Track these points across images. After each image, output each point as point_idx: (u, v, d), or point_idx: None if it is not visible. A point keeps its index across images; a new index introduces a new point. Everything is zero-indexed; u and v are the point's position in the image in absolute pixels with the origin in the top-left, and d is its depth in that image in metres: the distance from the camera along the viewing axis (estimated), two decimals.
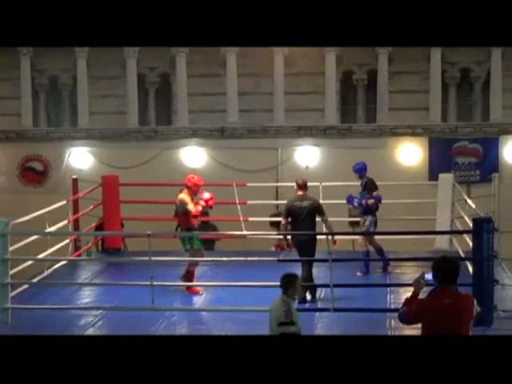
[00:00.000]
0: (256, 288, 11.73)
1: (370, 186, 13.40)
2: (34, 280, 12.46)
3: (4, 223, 10.82)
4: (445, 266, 6.84)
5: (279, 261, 12.35)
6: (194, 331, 10.43)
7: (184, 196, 12.07)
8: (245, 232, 12.24)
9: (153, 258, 10.72)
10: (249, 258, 11.74)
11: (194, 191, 12.20)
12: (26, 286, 12.03)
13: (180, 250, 12.28)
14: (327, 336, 9.14)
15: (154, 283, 10.64)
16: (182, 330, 10.43)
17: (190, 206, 11.97)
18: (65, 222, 13.62)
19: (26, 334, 7.84)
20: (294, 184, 12.39)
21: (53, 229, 12.76)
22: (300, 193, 12.14)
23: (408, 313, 6.92)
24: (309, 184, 15.57)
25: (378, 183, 14.33)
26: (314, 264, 12.97)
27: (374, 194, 13.31)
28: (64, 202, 13.91)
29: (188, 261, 11.99)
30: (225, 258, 11.91)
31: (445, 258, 7.05)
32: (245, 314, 10.80)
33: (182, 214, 12.08)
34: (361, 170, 13.55)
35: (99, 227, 15.40)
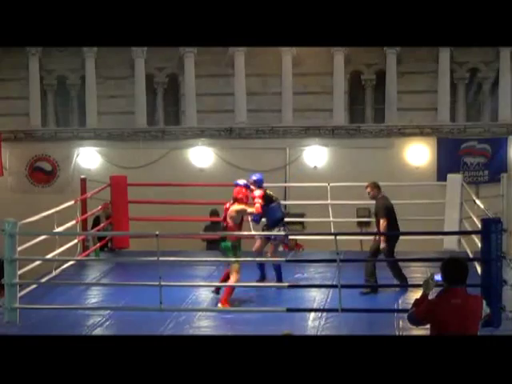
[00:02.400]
0: (264, 288, 11.76)
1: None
2: (43, 280, 12.48)
3: (12, 223, 10.84)
4: (454, 267, 6.82)
5: (287, 261, 12.37)
6: (202, 331, 10.44)
7: (238, 206, 11.54)
8: (253, 232, 12.22)
9: (161, 259, 10.73)
10: (257, 259, 11.74)
11: (245, 201, 11.74)
12: (34, 286, 12.06)
13: (187, 250, 12.27)
14: (335, 336, 9.12)
15: (162, 283, 10.66)
16: (189, 330, 10.43)
17: (250, 209, 11.70)
18: (73, 222, 13.64)
19: (34, 334, 7.87)
20: (300, 184, 12.38)
21: (61, 229, 12.77)
22: (382, 193, 12.20)
23: (417, 313, 6.91)
24: (317, 184, 15.64)
25: (386, 183, 14.29)
26: (322, 264, 12.99)
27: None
28: (72, 202, 13.94)
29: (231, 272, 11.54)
30: (233, 259, 11.90)
31: (453, 259, 7.04)
32: (253, 314, 10.81)
33: (235, 226, 11.51)
34: (260, 181, 12.52)
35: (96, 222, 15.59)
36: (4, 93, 20.61)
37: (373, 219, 17.59)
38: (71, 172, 19.88)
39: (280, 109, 19.79)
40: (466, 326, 6.65)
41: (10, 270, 10.84)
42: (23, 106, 20.39)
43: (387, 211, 11.93)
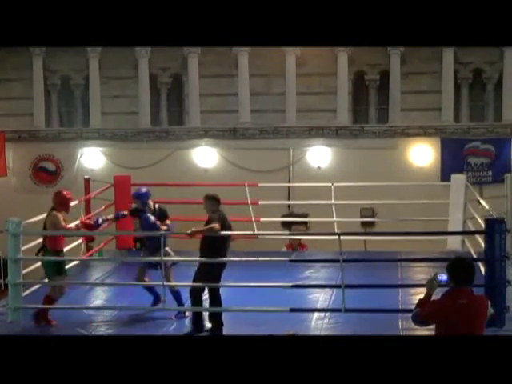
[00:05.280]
0: (267, 288, 11.75)
1: (166, 214, 11.85)
2: (46, 280, 12.48)
3: (16, 223, 10.85)
4: (460, 267, 6.81)
5: (291, 261, 12.36)
6: (205, 332, 10.43)
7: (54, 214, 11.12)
8: (256, 232, 12.20)
9: (165, 258, 10.74)
10: (260, 258, 11.73)
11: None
12: (37, 286, 12.06)
13: (190, 250, 12.26)
14: (338, 336, 9.12)
15: (166, 283, 10.66)
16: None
17: (63, 223, 11.14)
18: (77, 222, 13.62)
19: (38, 334, 7.88)
20: (304, 184, 12.35)
21: None
22: (220, 210, 10.81)
23: (421, 314, 6.89)
24: (320, 184, 15.67)
25: (389, 184, 14.32)
26: (325, 264, 12.99)
27: (168, 222, 11.74)
28: (76, 202, 13.92)
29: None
30: (236, 258, 11.90)
31: (460, 259, 7.02)
32: (256, 314, 10.80)
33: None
34: (146, 196, 11.96)
35: None
36: (8, 93, 20.65)
37: (376, 219, 17.71)
38: (75, 172, 19.91)
39: (284, 109, 19.80)
40: (472, 326, 6.64)
41: (13, 270, 10.85)
42: (27, 106, 20.42)
43: (224, 221, 10.64)
